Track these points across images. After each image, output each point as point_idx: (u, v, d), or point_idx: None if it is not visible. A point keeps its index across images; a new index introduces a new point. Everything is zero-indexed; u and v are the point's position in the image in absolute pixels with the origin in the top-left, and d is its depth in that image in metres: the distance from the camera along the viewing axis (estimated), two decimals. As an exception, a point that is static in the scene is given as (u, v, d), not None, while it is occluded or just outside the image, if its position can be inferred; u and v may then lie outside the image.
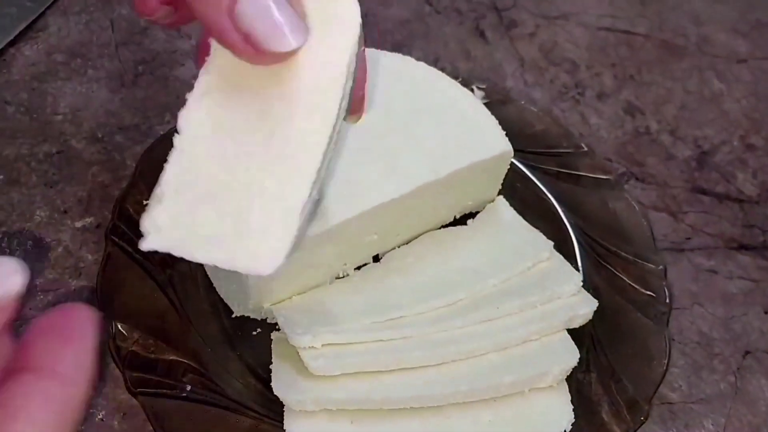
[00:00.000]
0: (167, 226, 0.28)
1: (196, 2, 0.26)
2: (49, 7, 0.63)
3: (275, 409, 0.41)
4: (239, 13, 0.26)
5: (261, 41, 0.26)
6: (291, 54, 0.27)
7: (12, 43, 0.61)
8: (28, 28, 0.62)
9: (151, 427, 0.40)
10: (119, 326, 0.43)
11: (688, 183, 0.59)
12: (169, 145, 0.50)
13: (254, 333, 0.46)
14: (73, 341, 0.24)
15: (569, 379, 0.44)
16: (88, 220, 0.51)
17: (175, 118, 0.57)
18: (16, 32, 0.61)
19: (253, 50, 0.26)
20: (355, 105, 0.35)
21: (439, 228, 0.51)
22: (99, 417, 0.42)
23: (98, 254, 0.49)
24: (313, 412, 0.41)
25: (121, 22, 0.64)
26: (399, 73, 0.50)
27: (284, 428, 0.40)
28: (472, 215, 0.52)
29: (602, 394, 0.44)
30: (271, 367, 0.42)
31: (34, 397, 0.23)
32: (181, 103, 0.60)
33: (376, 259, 0.49)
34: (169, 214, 0.28)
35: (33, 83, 0.59)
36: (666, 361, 0.45)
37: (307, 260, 0.44)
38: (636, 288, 0.49)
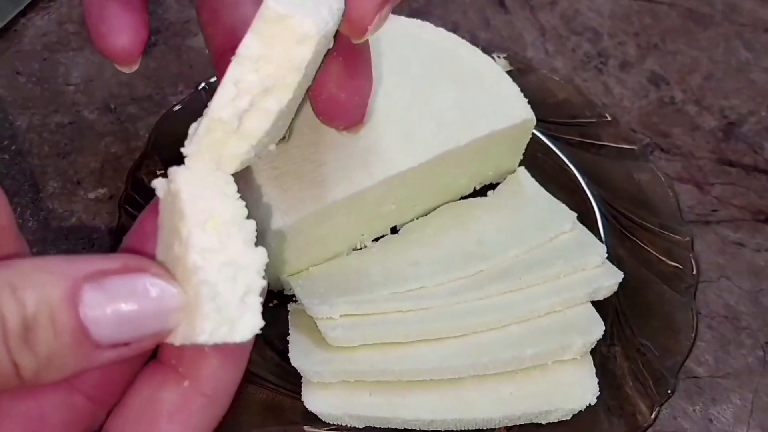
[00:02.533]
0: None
1: None
2: (60, -23, 0.62)
3: (292, 380, 0.41)
4: None
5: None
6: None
7: (23, 13, 0.60)
8: (39, -3, 0.61)
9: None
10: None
11: (715, 154, 0.58)
12: (182, 116, 0.50)
13: (270, 305, 0.45)
14: (232, 353, 0.23)
15: (593, 354, 0.43)
16: (101, 191, 0.50)
17: (188, 87, 0.56)
18: (27, 2, 0.60)
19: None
20: (347, 110, 0.35)
21: (459, 199, 0.50)
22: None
23: (111, 225, 0.48)
24: (330, 384, 0.40)
25: (133, -9, 0.63)
26: (418, 39, 0.49)
27: (302, 400, 0.39)
28: (492, 186, 0.51)
29: (627, 367, 0.43)
30: (288, 338, 0.42)
31: (172, 421, 0.22)
32: (194, 72, 0.59)
33: (394, 230, 0.48)
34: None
35: (44, 53, 0.58)
36: (693, 335, 0.44)
37: (324, 230, 0.43)
38: (662, 260, 0.47)
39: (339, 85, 0.34)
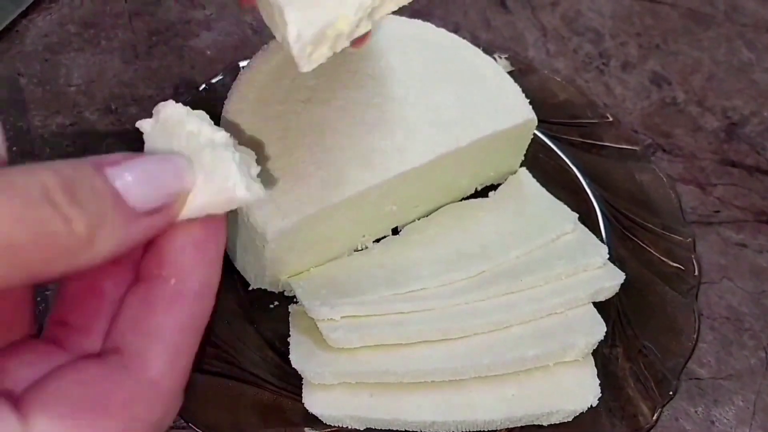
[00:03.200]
0: None
1: None
2: (61, -22, 0.62)
3: (293, 382, 0.41)
4: None
5: None
6: None
7: (24, 14, 0.60)
8: (41, -2, 0.61)
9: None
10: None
11: (717, 155, 0.58)
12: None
13: (271, 306, 0.45)
14: (206, 249, 0.24)
15: (595, 355, 0.43)
16: (103, 192, 0.50)
17: (189, 88, 0.56)
18: (29, 2, 0.59)
19: None
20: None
21: (460, 200, 0.50)
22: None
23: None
24: (332, 385, 0.40)
25: (135, -8, 0.63)
26: (419, 39, 0.48)
27: (303, 401, 0.39)
28: (493, 187, 0.51)
29: (629, 369, 0.43)
30: (289, 340, 0.42)
31: (167, 314, 0.23)
32: (196, 73, 0.59)
33: (396, 231, 0.48)
34: None
35: (46, 54, 0.58)
36: (695, 336, 0.44)
37: (325, 231, 0.43)
38: (663, 261, 0.47)
39: None
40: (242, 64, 0.50)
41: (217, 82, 0.52)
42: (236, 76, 0.46)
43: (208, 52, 0.58)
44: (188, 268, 0.24)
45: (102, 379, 0.22)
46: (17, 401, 0.21)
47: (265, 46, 0.47)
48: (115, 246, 0.22)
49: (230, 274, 0.45)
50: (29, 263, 0.20)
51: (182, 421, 0.39)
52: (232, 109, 0.44)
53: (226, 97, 0.45)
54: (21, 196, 0.19)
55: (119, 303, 0.25)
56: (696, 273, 0.47)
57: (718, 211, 0.54)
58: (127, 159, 0.22)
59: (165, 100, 0.57)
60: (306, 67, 0.30)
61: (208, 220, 0.24)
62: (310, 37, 0.29)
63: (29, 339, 0.26)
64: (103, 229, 0.21)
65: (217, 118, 0.44)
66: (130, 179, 0.22)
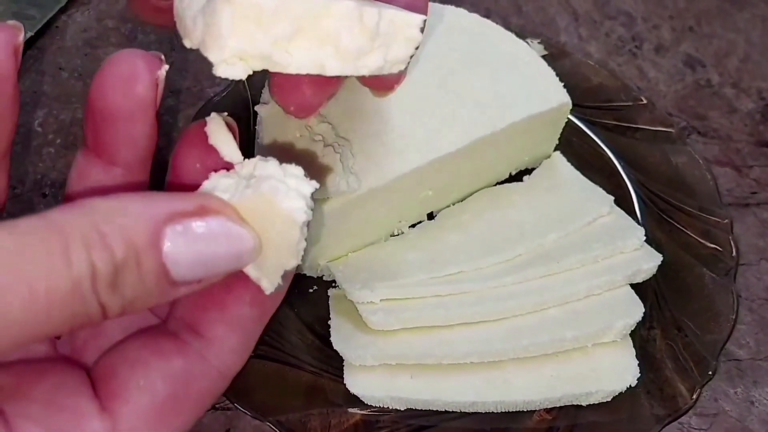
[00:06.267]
0: None
1: None
2: (98, -26, 0.64)
3: (334, 364, 0.41)
4: None
5: None
6: None
7: (63, 10, 0.61)
8: (79, -6, 0.62)
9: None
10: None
11: (753, 136, 0.57)
12: (221, 108, 0.50)
13: (311, 290, 0.46)
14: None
15: (633, 336, 0.43)
16: (144, 181, 0.51)
17: (225, 80, 0.57)
18: (68, -1, 0.61)
19: None
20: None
21: (494, 185, 0.50)
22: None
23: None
24: (372, 367, 0.40)
25: (169, -14, 0.64)
26: (453, 25, 0.49)
27: (344, 383, 0.40)
28: (527, 172, 0.51)
29: (667, 350, 0.43)
30: (329, 323, 0.42)
31: (251, 306, 0.24)
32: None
33: (431, 217, 0.49)
34: None
35: (85, 49, 0.59)
36: (733, 317, 0.44)
37: (362, 216, 0.44)
38: (701, 242, 0.47)
39: None
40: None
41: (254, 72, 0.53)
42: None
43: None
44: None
45: (185, 374, 0.23)
46: (102, 393, 0.22)
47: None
48: (143, 310, 0.22)
49: (270, 260, 0.46)
50: (47, 330, 0.20)
51: (228, 402, 0.40)
52: (269, 99, 0.45)
53: (263, 86, 0.46)
54: (69, 281, 0.19)
55: None
56: (734, 254, 0.47)
57: (755, 193, 0.53)
58: (191, 221, 0.21)
59: (202, 91, 0.58)
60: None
61: None
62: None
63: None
64: (135, 306, 0.21)
65: (254, 107, 0.45)
66: (182, 255, 0.21)
